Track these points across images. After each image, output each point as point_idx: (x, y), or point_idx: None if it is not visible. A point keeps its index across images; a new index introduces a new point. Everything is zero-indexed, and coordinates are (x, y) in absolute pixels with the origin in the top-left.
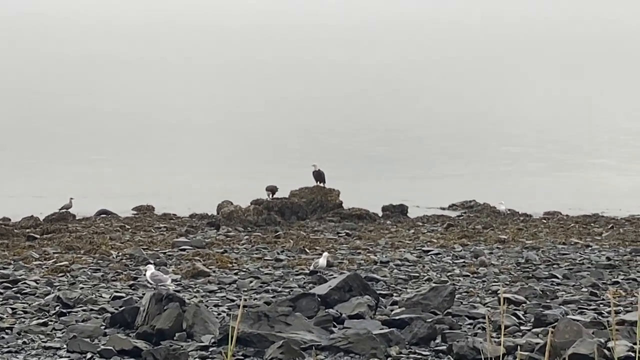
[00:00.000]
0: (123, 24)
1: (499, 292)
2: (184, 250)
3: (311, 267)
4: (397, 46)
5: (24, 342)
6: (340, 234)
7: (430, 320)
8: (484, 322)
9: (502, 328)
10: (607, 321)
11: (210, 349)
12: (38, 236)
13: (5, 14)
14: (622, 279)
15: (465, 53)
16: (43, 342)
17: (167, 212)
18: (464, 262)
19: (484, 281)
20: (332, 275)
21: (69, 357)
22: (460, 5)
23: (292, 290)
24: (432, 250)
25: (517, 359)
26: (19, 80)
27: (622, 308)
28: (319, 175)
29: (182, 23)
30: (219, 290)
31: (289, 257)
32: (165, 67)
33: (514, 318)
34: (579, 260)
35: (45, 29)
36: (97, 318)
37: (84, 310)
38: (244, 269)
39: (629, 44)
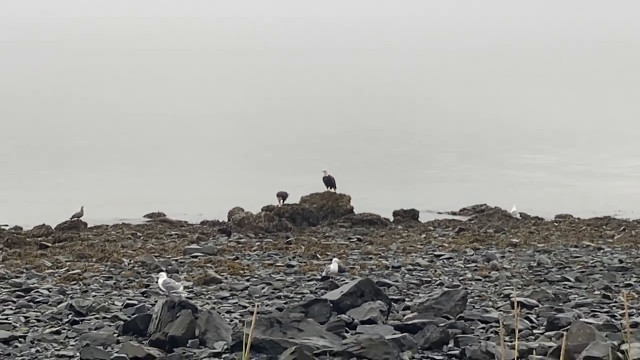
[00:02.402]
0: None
1: (511, 295)
2: (195, 257)
3: (323, 273)
4: (395, 51)
5: (37, 351)
6: (351, 240)
7: (442, 324)
8: (496, 326)
9: (517, 332)
10: (621, 324)
11: (223, 356)
12: (50, 244)
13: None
14: (634, 281)
15: (471, 59)
16: (56, 350)
17: (179, 219)
18: (475, 266)
19: (496, 285)
20: (344, 280)
21: None
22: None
23: (304, 296)
24: (443, 255)
25: None
26: (37, 89)
27: (635, 310)
28: (329, 181)
29: (183, 29)
30: (231, 297)
31: (300, 263)
32: (172, 75)
33: (527, 322)
34: (591, 263)
35: (64, 39)
36: (110, 326)
37: (96, 318)
38: (256, 276)
39: (633, 50)
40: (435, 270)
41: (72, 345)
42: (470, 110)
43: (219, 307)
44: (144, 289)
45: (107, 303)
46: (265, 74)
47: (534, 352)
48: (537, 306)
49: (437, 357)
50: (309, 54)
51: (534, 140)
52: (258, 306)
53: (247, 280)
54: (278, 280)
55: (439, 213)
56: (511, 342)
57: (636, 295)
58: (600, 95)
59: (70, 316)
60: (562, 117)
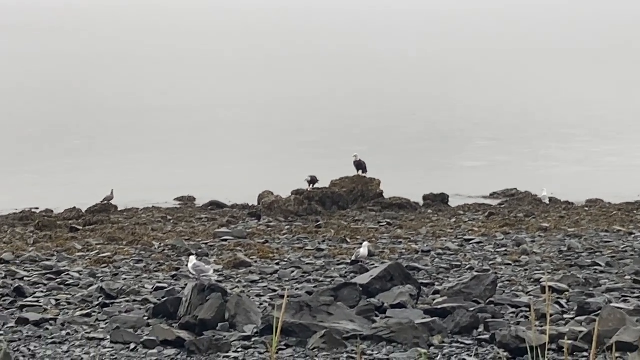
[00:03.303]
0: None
1: (541, 280)
2: (225, 240)
3: (353, 257)
4: (418, 37)
5: (68, 333)
6: (381, 224)
7: (472, 309)
8: (526, 311)
9: (548, 316)
10: None
11: (253, 339)
12: (81, 227)
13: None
14: None
15: (493, 42)
16: (87, 333)
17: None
18: (505, 250)
19: (526, 270)
20: (373, 264)
21: (112, 347)
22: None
23: (333, 280)
24: (473, 239)
25: (562, 347)
26: (67, 72)
27: None
28: (359, 165)
29: (204, 18)
30: (260, 281)
31: (330, 246)
32: (201, 60)
33: (557, 306)
34: (622, 248)
35: (97, 23)
36: (140, 309)
37: (127, 301)
38: (286, 259)
39: None
40: (465, 255)
41: (103, 328)
42: (501, 96)
43: (249, 291)
44: (174, 272)
45: (137, 286)
46: (288, 62)
47: (565, 337)
48: (568, 291)
49: (467, 342)
50: (338, 41)
51: (565, 126)
52: (288, 290)
53: (277, 264)
54: (308, 264)
55: (469, 197)
56: (542, 326)
57: None
58: (633, 80)
59: (100, 299)
60: (594, 102)
